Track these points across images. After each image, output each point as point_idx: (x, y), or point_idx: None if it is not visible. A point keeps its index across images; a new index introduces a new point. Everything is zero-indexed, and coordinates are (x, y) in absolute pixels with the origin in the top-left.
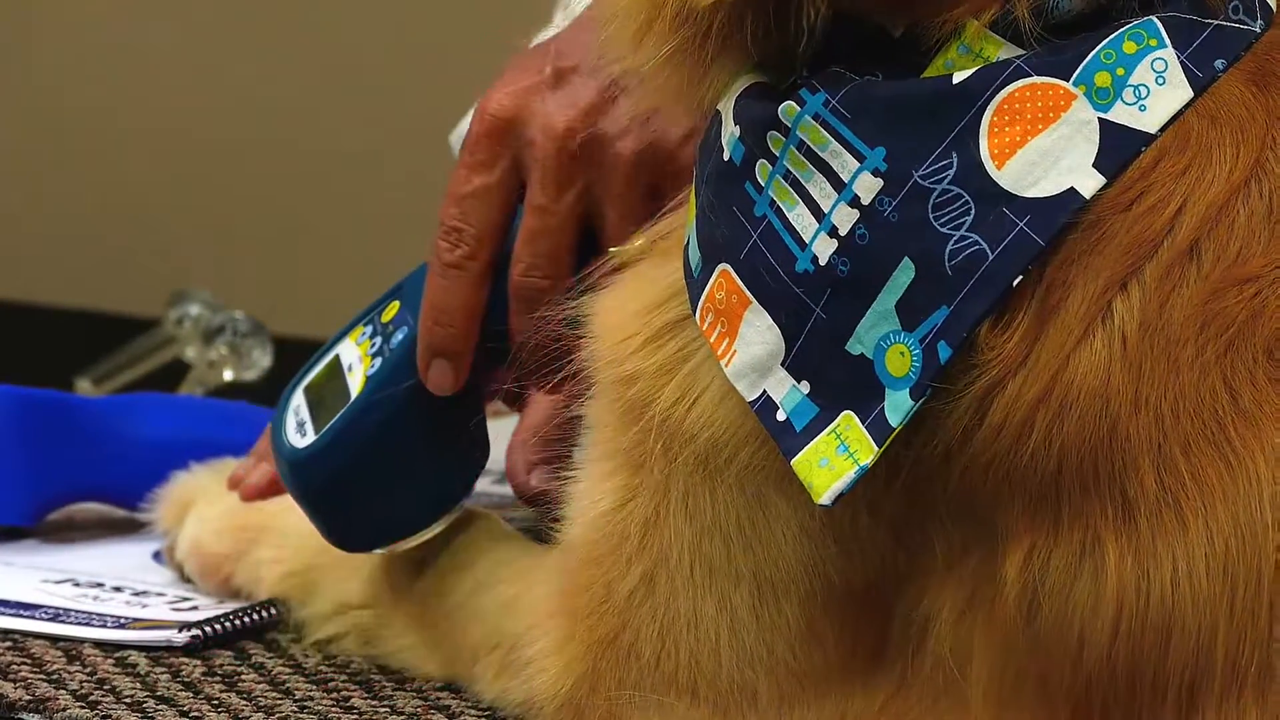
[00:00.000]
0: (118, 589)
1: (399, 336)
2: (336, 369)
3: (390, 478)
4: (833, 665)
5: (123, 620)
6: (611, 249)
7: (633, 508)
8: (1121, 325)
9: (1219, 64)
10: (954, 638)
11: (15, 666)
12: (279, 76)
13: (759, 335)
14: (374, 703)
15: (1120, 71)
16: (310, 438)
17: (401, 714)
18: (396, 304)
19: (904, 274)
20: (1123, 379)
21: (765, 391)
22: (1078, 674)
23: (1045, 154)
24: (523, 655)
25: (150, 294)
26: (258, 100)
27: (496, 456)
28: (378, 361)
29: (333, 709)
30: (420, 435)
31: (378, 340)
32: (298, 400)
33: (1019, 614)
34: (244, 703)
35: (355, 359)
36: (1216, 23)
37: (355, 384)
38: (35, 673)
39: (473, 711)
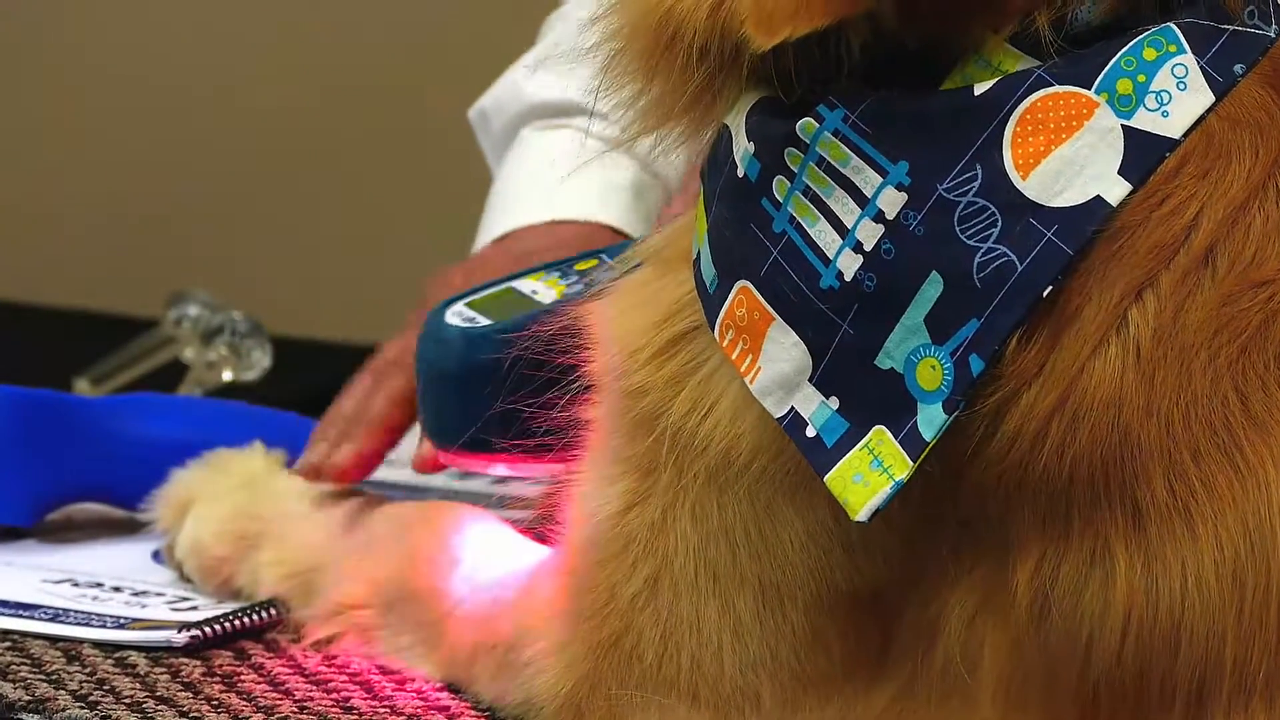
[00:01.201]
0: (117, 589)
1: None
2: (513, 292)
3: (542, 381)
4: (836, 669)
5: (122, 620)
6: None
7: (639, 512)
8: (1136, 334)
9: (1238, 68)
10: (964, 641)
11: (15, 667)
12: (278, 77)
13: (784, 352)
14: (374, 703)
15: (1141, 78)
16: (488, 321)
17: (401, 714)
18: (596, 260)
19: (932, 287)
20: (1136, 387)
21: (793, 408)
22: (1086, 679)
23: (1070, 163)
24: (522, 655)
25: (149, 294)
26: (257, 101)
27: None
28: (578, 287)
29: (332, 709)
30: None
31: (574, 279)
32: (459, 308)
33: (1029, 620)
34: (244, 703)
35: (542, 287)
36: (1233, 28)
37: (549, 299)
38: (35, 673)
39: (472, 712)
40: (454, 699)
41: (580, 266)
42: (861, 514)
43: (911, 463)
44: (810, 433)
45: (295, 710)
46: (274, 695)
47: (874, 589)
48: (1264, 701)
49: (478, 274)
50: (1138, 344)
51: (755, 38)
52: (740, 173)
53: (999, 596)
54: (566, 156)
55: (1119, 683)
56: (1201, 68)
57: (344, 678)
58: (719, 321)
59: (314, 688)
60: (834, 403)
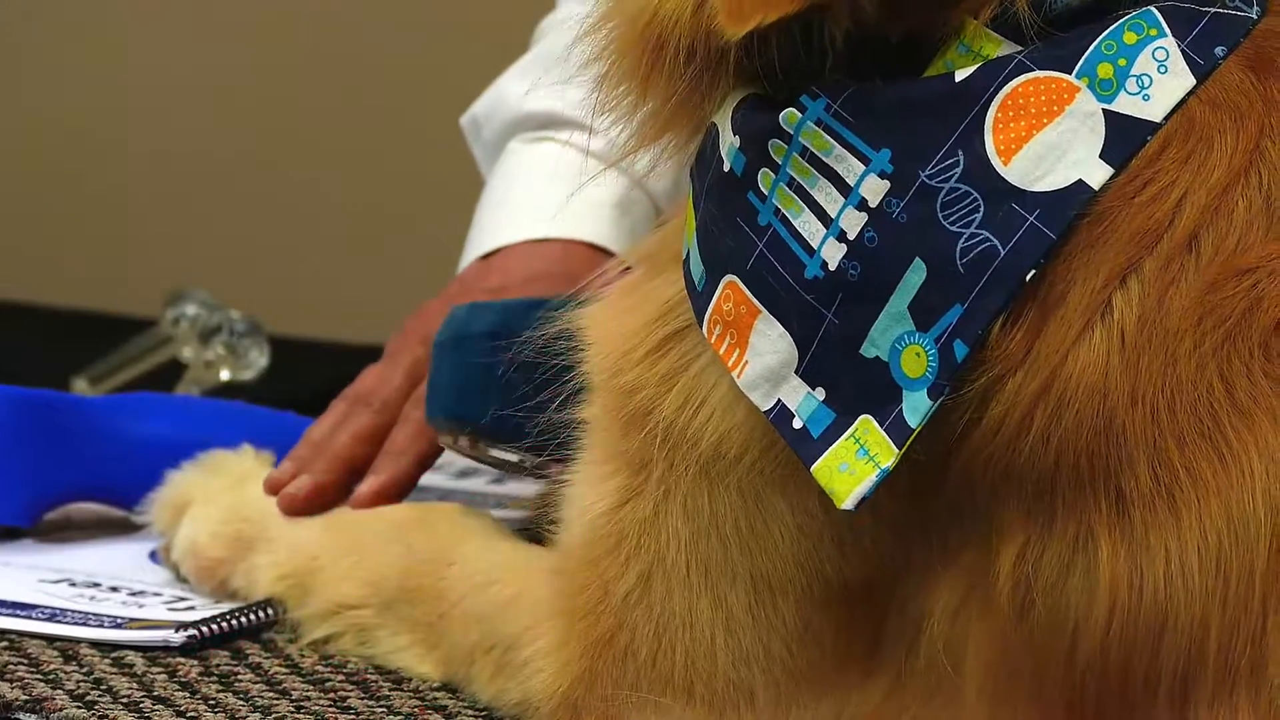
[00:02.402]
0: (114, 589)
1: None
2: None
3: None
4: (829, 663)
5: (119, 620)
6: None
7: (631, 508)
8: (1120, 320)
9: (1219, 51)
10: (949, 634)
11: (12, 666)
12: (275, 78)
13: (770, 345)
14: (371, 703)
15: (1122, 62)
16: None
17: (398, 714)
18: None
19: (915, 274)
20: (1120, 374)
21: (780, 400)
22: (1072, 669)
23: (1052, 147)
24: (519, 655)
25: (148, 294)
26: (254, 102)
27: None
28: None
29: (329, 709)
30: None
31: None
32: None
33: (1013, 609)
34: (241, 703)
35: None
36: (1215, 10)
37: None
38: (32, 672)
39: (469, 712)
40: (452, 699)
41: None
42: (848, 502)
43: (897, 450)
44: (797, 424)
45: (292, 710)
46: (271, 695)
47: (864, 581)
48: (1248, 691)
49: (457, 302)
50: (1122, 330)
51: (727, 27)
52: (726, 167)
53: (982, 586)
54: (551, 172)
55: (1104, 672)
56: (1182, 50)
57: (341, 677)
58: (707, 317)
59: (311, 687)
60: (820, 393)
